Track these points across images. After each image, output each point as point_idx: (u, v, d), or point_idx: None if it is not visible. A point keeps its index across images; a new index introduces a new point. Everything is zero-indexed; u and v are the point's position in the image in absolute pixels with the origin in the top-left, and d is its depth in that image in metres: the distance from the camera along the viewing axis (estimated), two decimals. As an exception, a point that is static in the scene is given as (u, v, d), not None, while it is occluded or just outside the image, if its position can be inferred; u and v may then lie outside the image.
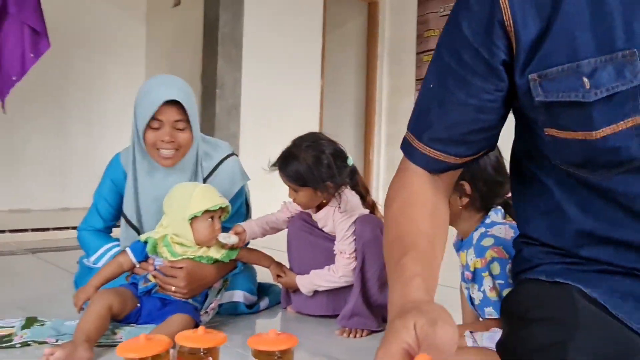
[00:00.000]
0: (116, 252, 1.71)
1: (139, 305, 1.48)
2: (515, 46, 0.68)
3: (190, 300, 1.53)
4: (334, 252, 1.65)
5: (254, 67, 3.95)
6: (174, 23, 4.47)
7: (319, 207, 1.69)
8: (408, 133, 0.81)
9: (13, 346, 1.34)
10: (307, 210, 1.73)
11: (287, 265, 1.76)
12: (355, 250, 1.60)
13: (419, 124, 0.79)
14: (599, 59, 0.62)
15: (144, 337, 1.00)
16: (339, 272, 1.62)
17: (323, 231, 1.72)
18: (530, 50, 0.67)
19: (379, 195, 4.89)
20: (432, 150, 0.77)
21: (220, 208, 1.55)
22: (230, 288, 1.71)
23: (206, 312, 1.57)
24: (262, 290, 1.87)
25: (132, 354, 0.98)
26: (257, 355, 1.02)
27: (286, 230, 1.78)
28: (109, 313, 1.36)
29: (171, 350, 1.09)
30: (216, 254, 1.57)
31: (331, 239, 1.68)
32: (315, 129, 4.39)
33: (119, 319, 1.43)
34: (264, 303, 1.81)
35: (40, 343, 1.36)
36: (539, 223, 0.78)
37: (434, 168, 0.79)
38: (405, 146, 0.81)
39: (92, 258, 1.76)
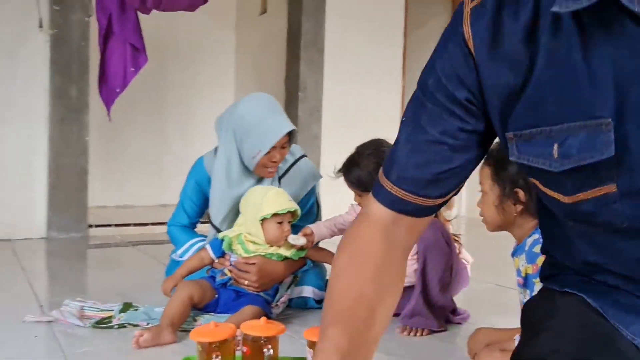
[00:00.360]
0: (199, 247, 1.90)
1: (216, 296, 1.65)
2: (487, 99, 0.66)
3: (262, 294, 1.68)
4: (397, 254, 1.71)
5: (335, 70, 4.04)
6: (260, 31, 4.70)
7: (383, 210, 1.77)
8: (381, 169, 0.76)
9: (111, 327, 1.56)
10: (372, 213, 1.81)
11: (354, 265, 1.85)
12: (417, 253, 1.66)
13: (389, 160, 0.75)
14: (572, 125, 0.58)
15: (213, 325, 1.15)
16: (401, 272, 1.68)
17: (387, 233, 1.79)
18: (504, 107, 0.64)
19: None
20: (399, 189, 0.72)
21: (289, 212, 1.67)
22: (300, 284, 1.84)
23: (277, 305, 1.71)
24: (331, 287, 1.97)
25: (203, 339, 1.13)
26: (311, 346, 1.14)
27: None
28: (190, 302, 1.54)
29: (238, 337, 1.23)
30: (286, 252, 1.70)
31: (395, 240, 1.75)
32: (396, 130, 4.41)
33: (199, 308, 1.61)
34: (332, 299, 1.92)
35: (134, 325, 1.56)
36: (554, 245, 0.78)
37: (399, 209, 0.73)
38: (375, 182, 0.76)
39: (179, 252, 1.97)
